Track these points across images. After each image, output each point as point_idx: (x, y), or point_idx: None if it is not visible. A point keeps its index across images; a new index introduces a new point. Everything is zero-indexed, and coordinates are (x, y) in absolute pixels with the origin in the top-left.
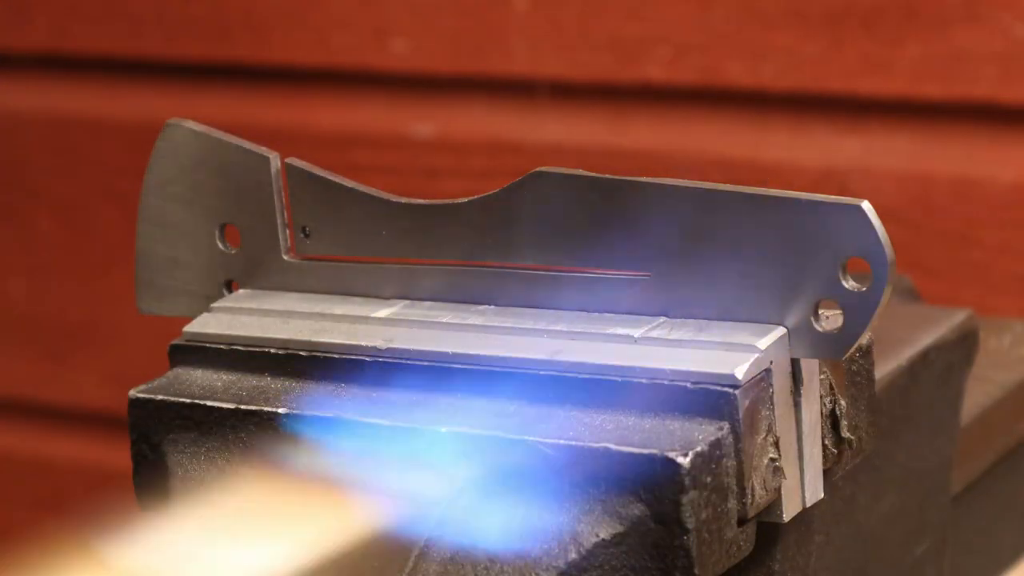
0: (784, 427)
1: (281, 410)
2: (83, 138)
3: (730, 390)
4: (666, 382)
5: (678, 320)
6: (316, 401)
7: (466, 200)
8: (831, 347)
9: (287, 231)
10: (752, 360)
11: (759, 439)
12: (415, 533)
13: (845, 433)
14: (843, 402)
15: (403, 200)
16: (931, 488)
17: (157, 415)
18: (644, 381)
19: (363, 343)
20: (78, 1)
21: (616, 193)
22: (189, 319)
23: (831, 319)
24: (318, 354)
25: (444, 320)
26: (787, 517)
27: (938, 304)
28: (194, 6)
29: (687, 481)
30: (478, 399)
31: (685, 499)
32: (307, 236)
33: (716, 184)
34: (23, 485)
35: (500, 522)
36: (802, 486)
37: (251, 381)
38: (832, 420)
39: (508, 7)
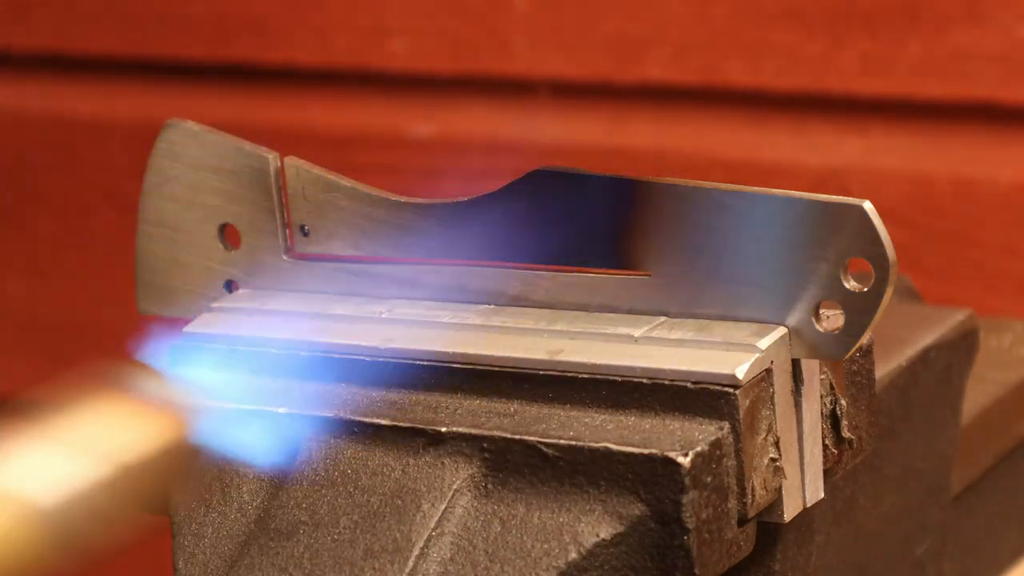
0: (785, 427)
1: (281, 410)
2: (83, 138)
3: (730, 390)
4: (666, 382)
5: (678, 319)
6: (316, 401)
7: (466, 199)
8: (832, 347)
9: (287, 230)
10: (753, 360)
11: (759, 439)
12: (415, 533)
13: (845, 433)
14: (843, 402)
15: (403, 199)
16: (931, 488)
17: None
18: (644, 381)
19: (363, 343)
20: (78, 1)
21: (616, 192)
22: (189, 319)
23: (832, 319)
24: (318, 354)
25: (444, 320)
26: (788, 517)
27: (938, 304)
28: (194, 6)
29: (687, 481)
30: (478, 399)
31: (685, 499)
32: (306, 235)
33: (717, 183)
34: None
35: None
36: (803, 486)
37: (251, 381)
38: (833, 420)
39: (508, 7)
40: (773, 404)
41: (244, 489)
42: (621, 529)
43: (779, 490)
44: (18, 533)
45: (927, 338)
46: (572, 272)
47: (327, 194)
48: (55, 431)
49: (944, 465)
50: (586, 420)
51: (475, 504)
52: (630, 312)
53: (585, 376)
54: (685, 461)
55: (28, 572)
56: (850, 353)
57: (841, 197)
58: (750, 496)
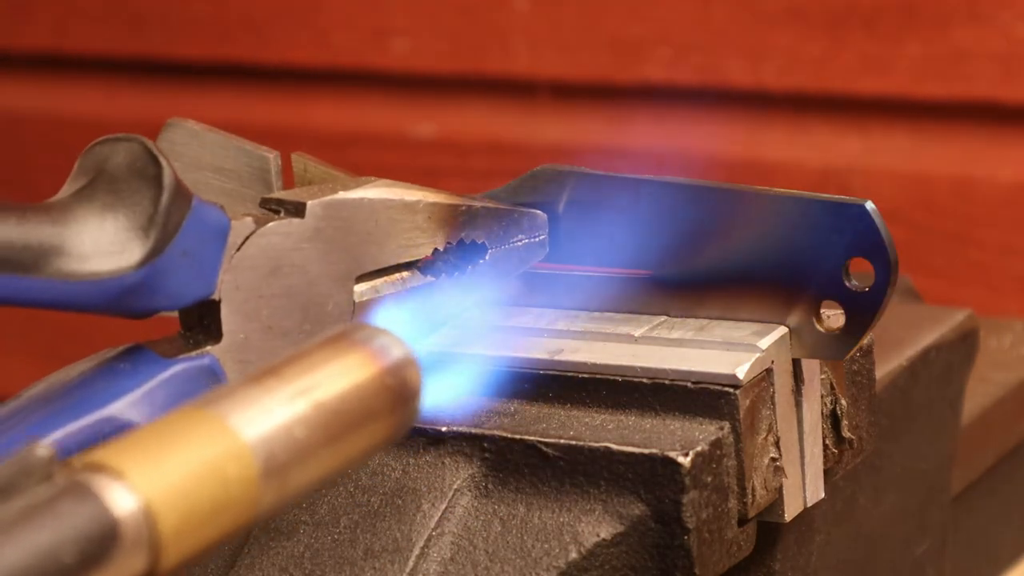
0: (785, 427)
1: None
2: (83, 138)
3: (731, 390)
4: (667, 381)
5: (679, 319)
6: None
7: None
8: (833, 347)
9: None
10: (753, 360)
11: (760, 439)
12: (415, 533)
13: (846, 433)
14: (844, 402)
15: None
16: (931, 488)
17: None
18: (645, 380)
19: None
20: (78, 1)
21: (618, 190)
22: None
23: (833, 319)
24: None
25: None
26: (788, 517)
27: (938, 304)
28: (194, 6)
29: (688, 481)
30: (478, 398)
31: (686, 499)
32: None
33: (717, 183)
34: None
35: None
36: (803, 486)
37: None
38: (833, 420)
39: (508, 7)
40: (773, 404)
41: None
42: (621, 529)
43: (779, 490)
44: (228, 465)
45: (927, 338)
46: (573, 270)
47: None
48: (282, 375)
49: (944, 465)
50: (586, 420)
51: (475, 504)
52: (631, 311)
53: (585, 376)
54: (685, 461)
55: (235, 504)
56: (851, 353)
57: (843, 197)
58: (750, 496)
